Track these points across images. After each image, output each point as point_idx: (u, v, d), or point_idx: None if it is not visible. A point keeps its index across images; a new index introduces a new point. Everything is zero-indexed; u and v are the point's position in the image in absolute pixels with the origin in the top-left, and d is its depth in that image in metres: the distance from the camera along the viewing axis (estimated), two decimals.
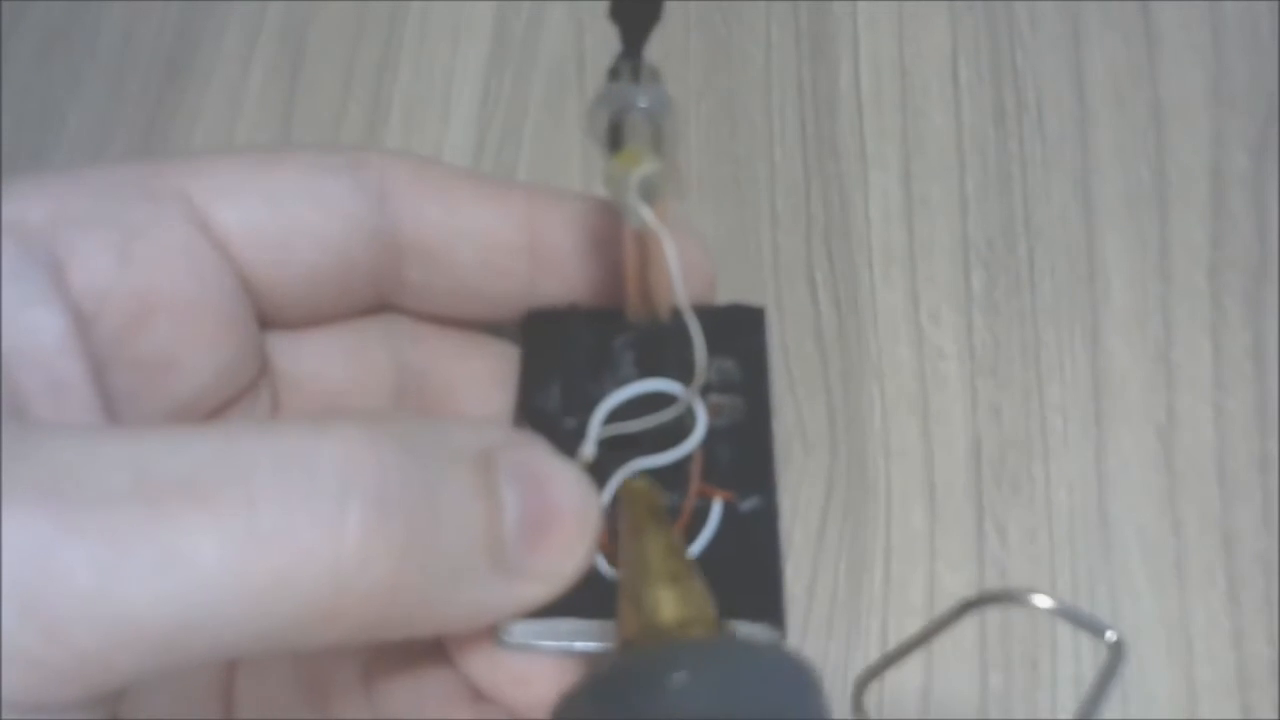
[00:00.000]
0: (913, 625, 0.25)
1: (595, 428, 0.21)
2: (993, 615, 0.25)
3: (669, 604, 0.17)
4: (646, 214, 0.18)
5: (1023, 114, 0.30)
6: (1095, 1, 0.31)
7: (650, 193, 0.18)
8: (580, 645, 0.19)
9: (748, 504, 0.21)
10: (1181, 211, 0.29)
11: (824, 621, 0.26)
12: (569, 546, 0.18)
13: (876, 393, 0.28)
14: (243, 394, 0.21)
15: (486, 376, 0.23)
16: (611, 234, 0.21)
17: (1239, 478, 0.26)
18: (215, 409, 0.21)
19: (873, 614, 0.26)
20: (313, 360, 0.22)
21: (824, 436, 0.27)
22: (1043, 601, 0.17)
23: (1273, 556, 0.25)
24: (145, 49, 0.33)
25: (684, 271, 0.18)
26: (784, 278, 0.29)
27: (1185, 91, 0.30)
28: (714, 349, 0.20)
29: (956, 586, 0.26)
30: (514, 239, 0.22)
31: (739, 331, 0.23)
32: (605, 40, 0.33)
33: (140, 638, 0.15)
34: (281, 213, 0.20)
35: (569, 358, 0.22)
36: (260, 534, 0.15)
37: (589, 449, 0.21)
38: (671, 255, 0.18)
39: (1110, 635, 0.17)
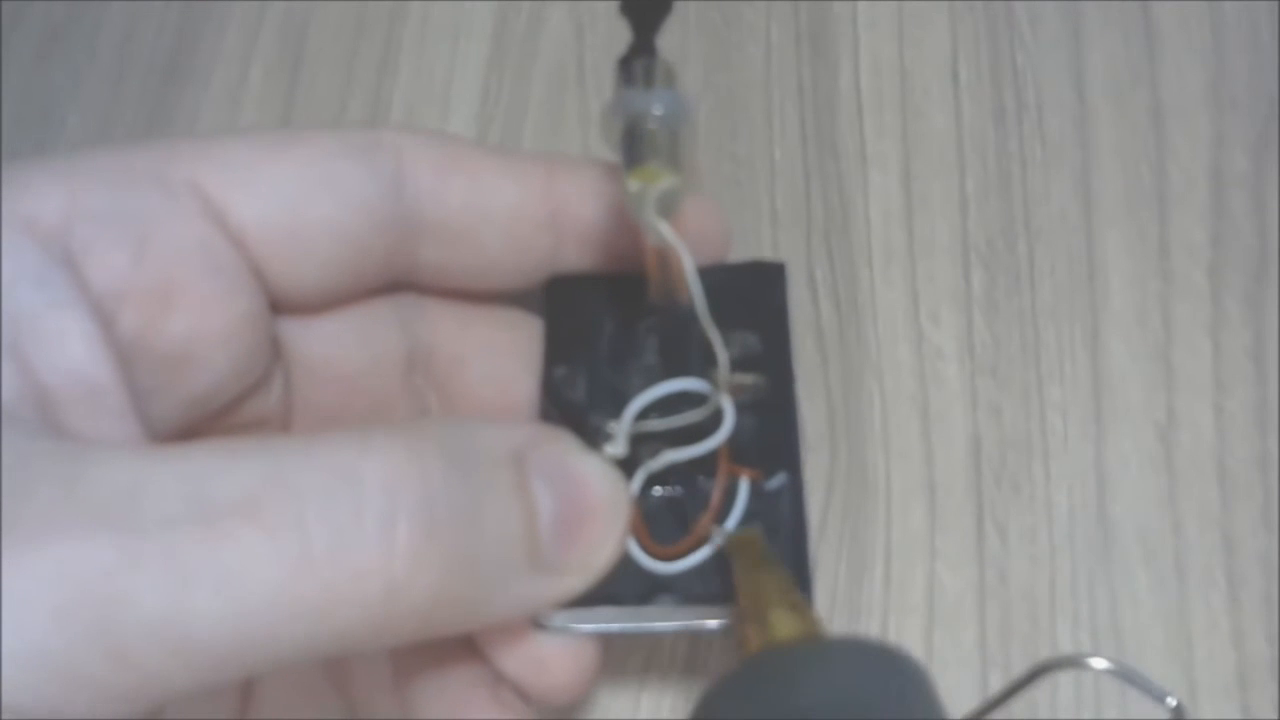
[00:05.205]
0: (912, 625, 0.25)
1: (626, 426, 0.21)
2: (992, 615, 0.25)
3: (790, 623, 0.18)
4: (665, 230, 0.18)
5: (1023, 114, 0.30)
6: (1095, 1, 0.31)
7: (668, 207, 0.18)
8: (617, 627, 0.20)
9: (774, 482, 0.21)
10: (1181, 211, 0.29)
11: (824, 621, 0.25)
12: (602, 539, 0.19)
13: (876, 392, 0.28)
14: (258, 384, 0.21)
15: (495, 345, 0.23)
16: (619, 189, 0.21)
17: (1239, 478, 0.26)
18: (232, 401, 0.21)
19: (872, 614, 0.26)
20: (325, 344, 0.22)
21: (824, 436, 0.27)
22: (1100, 664, 0.19)
23: (1273, 556, 0.25)
24: (145, 49, 0.34)
25: (700, 238, 0.18)
26: None
27: (1185, 91, 0.30)
28: (735, 317, 0.20)
29: (956, 586, 0.26)
30: (537, 212, 0.22)
31: (759, 293, 0.23)
32: (605, 40, 0.33)
33: (201, 656, 0.15)
34: (296, 204, 0.20)
35: (593, 349, 0.22)
36: (313, 554, 0.15)
37: (620, 447, 0.21)
38: (690, 268, 0.19)
39: (1170, 700, 0.18)
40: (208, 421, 0.21)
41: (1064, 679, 0.25)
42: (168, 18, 0.34)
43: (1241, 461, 0.26)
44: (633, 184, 0.18)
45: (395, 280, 0.22)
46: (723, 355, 0.19)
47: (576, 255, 0.22)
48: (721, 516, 0.21)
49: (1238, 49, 0.30)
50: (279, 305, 0.21)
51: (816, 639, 0.18)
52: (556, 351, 0.22)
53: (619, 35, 0.32)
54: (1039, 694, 0.25)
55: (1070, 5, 0.31)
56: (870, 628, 0.25)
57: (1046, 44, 0.31)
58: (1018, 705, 0.24)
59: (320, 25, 0.33)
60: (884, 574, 0.26)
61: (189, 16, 0.34)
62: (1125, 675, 0.18)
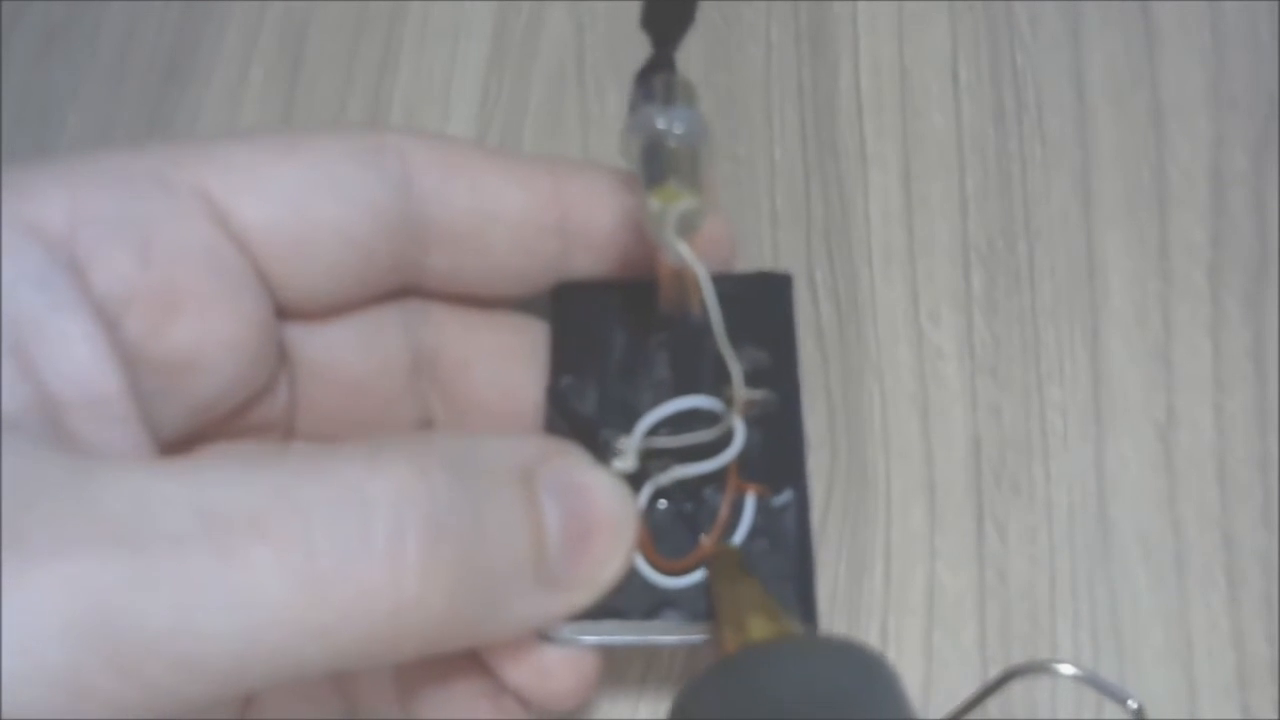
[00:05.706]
0: (912, 625, 0.25)
1: (636, 442, 0.21)
2: (992, 615, 0.25)
3: (767, 627, 0.18)
4: (685, 250, 0.18)
5: (1023, 114, 0.30)
6: (1095, 1, 0.31)
7: (688, 227, 0.18)
8: (622, 640, 0.20)
9: (781, 498, 0.21)
10: (1181, 211, 0.29)
11: (824, 621, 0.25)
12: (609, 554, 0.19)
13: (876, 392, 0.28)
14: (264, 389, 0.21)
15: (500, 350, 0.23)
16: (639, 205, 0.21)
17: (1239, 477, 0.26)
18: (238, 406, 0.21)
19: (872, 614, 0.26)
20: (330, 350, 0.22)
21: (824, 436, 0.27)
22: (1067, 670, 0.20)
23: (1273, 556, 0.25)
24: (145, 49, 0.34)
25: (705, 245, 0.18)
26: None
27: (1185, 91, 0.30)
28: (741, 330, 0.20)
29: (956, 586, 0.26)
30: (543, 217, 0.21)
31: (766, 306, 0.23)
32: (605, 40, 0.33)
33: (208, 672, 0.15)
34: (301, 207, 0.20)
35: (603, 360, 0.22)
36: (321, 571, 0.15)
37: (630, 462, 0.21)
38: (709, 291, 0.18)
39: (1131, 703, 0.19)
40: (213, 427, 0.21)
41: (1065, 683, 0.25)
42: (168, 18, 0.34)
43: (1241, 461, 0.26)
44: (654, 203, 0.17)
45: (401, 286, 0.22)
46: (738, 374, 0.19)
47: (585, 260, 0.22)
48: (728, 532, 0.21)
49: (1238, 49, 0.30)
50: (285, 310, 0.21)
51: (791, 638, 0.18)
52: (563, 360, 0.22)
53: (619, 35, 0.32)
54: (1040, 695, 0.25)
55: (1070, 5, 0.31)
56: (870, 628, 0.25)
57: (1046, 44, 0.31)
58: (1018, 705, 0.25)
59: (320, 25, 0.33)
60: (884, 574, 0.26)
61: (189, 16, 0.34)
62: (1089, 680, 0.19)
